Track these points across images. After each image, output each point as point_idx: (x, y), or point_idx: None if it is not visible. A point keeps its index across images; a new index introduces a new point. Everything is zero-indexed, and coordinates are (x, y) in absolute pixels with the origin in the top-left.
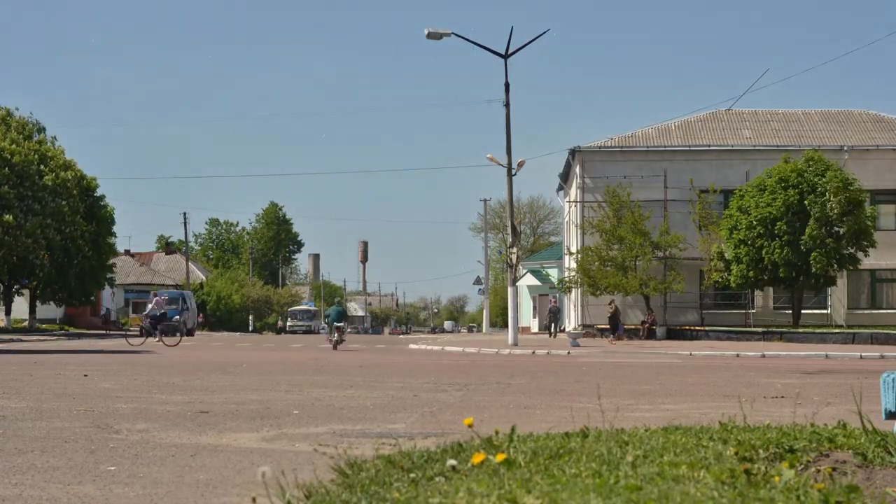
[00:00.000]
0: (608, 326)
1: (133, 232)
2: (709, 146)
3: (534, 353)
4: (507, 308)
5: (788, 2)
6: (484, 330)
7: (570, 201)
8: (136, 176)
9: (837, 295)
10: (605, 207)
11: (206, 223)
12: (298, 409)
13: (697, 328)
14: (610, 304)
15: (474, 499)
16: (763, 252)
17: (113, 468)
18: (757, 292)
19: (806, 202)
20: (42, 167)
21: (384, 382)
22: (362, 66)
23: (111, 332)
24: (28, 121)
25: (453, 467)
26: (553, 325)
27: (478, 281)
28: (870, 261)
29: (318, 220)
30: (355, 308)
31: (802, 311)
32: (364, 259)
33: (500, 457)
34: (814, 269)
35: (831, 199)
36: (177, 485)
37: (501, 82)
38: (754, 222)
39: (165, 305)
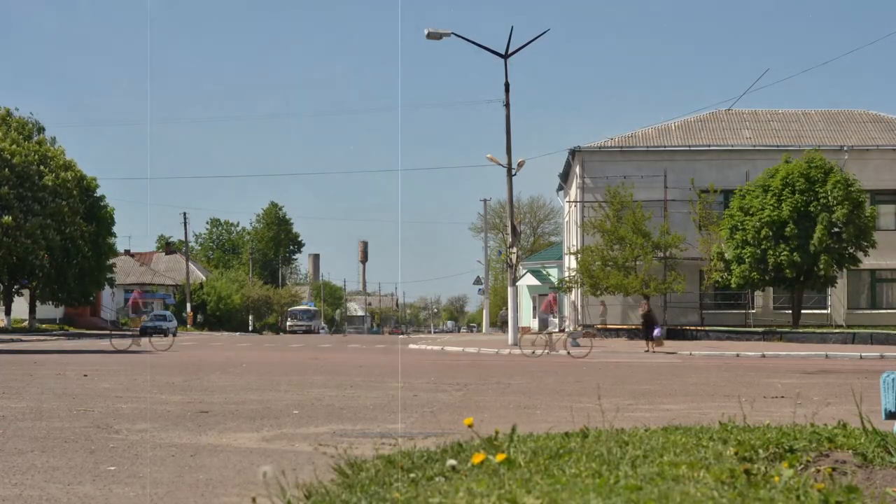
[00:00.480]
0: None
1: (133, 232)
2: (709, 146)
3: (533, 353)
4: (507, 308)
5: (788, 2)
6: (484, 330)
7: (570, 201)
8: (136, 176)
9: (837, 295)
10: (606, 207)
11: (207, 223)
12: (298, 409)
13: (697, 328)
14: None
15: (474, 499)
16: (768, 253)
17: (113, 468)
18: (757, 292)
19: (811, 208)
20: (42, 167)
21: (384, 382)
22: (362, 66)
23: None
24: (28, 121)
25: (453, 467)
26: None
27: (478, 281)
28: (870, 261)
29: (318, 220)
30: (355, 308)
31: (802, 311)
32: (364, 259)
33: (500, 457)
34: (821, 271)
35: (836, 207)
36: (177, 485)
37: (501, 82)
38: (759, 224)
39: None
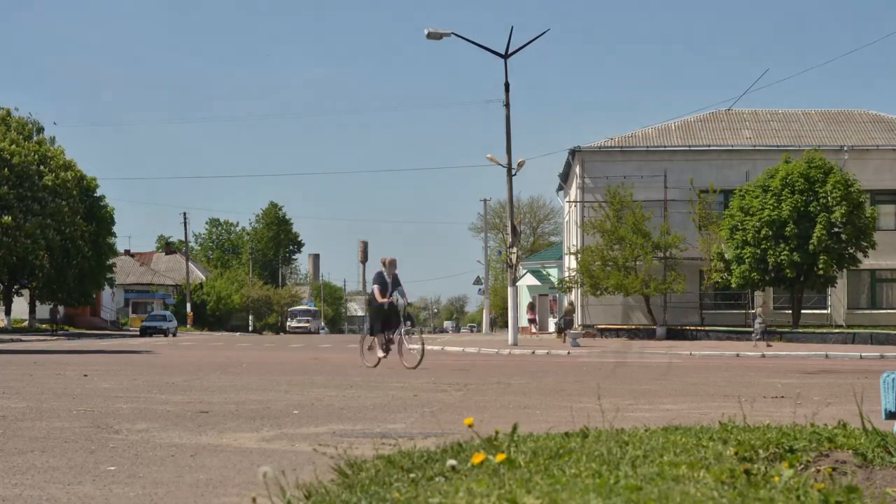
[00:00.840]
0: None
1: (133, 232)
2: (709, 146)
3: (534, 353)
4: (507, 308)
5: (788, 2)
6: (484, 330)
7: (570, 201)
8: (136, 176)
9: (837, 295)
10: (606, 207)
11: (206, 223)
12: (298, 409)
13: (697, 328)
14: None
15: (474, 499)
16: (768, 253)
17: (113, 468)
18: (757, 292)
19: (811, 208)
20: (42, 167)
21: (384, 382)
22: (362, 66)
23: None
24: (28, 121)
25: (453, 467)
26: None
27: (478, 281)
28: (870, 261)
29: (318, 220)
30: (355, 308)
31: (802, 311)
32: (364, 259)
33: (500, 457)
34: (820, 271)
35: (835, 207)
36: (177, 485)
37: (501, 82)
38: (759, 224)
39: None
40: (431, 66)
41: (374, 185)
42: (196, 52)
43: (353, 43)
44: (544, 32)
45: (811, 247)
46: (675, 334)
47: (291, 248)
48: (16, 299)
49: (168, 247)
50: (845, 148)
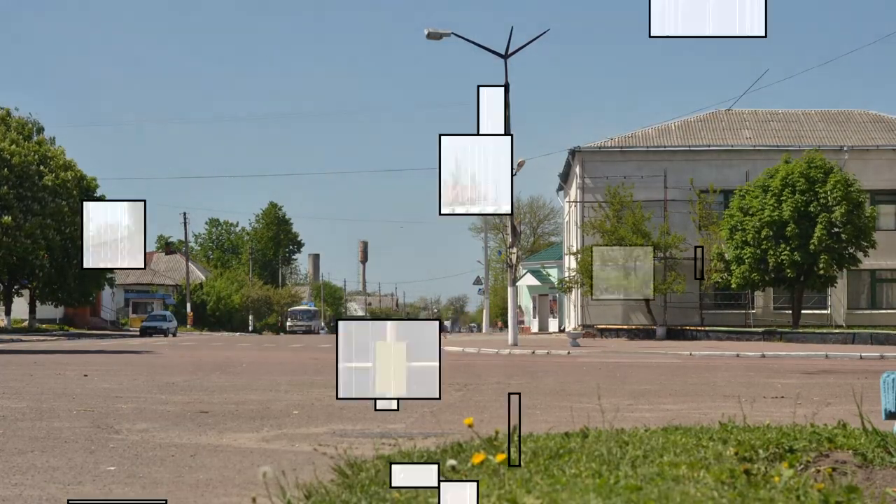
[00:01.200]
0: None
1: None
2: (709, 146)
3: (534, 353)
4: (507, 308)
5: (787, 2)
6: (484, 330)
7: (570, 201)
8: (136, 176)
9: (837, 295)
10: (606, 208)
11: (206, 223)
12: (298, 409)
13: (697, 328)
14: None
15: None
16: (769, 254)
17: (113, 468)
18: (757, 293)
19: (811, 208)
20: (42, 167)
21: None
22: (362, 66)
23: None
24: (27, 121)
25: (453, 467)
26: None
27: (478, 281)
28: (870, 261)
29: (318, 220)
30: (355, 308)
31: (802, 312)
32: (364, 259)
33: (500, 457)
34: (820, 271)
35: (835, 207)
36: (176, 485)
37: (501, 82)
38: (759, 224)
39: None
40: (431, 66)
41: (374, 185)
42: (196, 52)
43: (353, 43)
44: (544, 32)
45: (812, 247)
46: (675, 334)
47: (291, 248)
48: (16, 299)
49: (168, 247)
50: (845, 148)
